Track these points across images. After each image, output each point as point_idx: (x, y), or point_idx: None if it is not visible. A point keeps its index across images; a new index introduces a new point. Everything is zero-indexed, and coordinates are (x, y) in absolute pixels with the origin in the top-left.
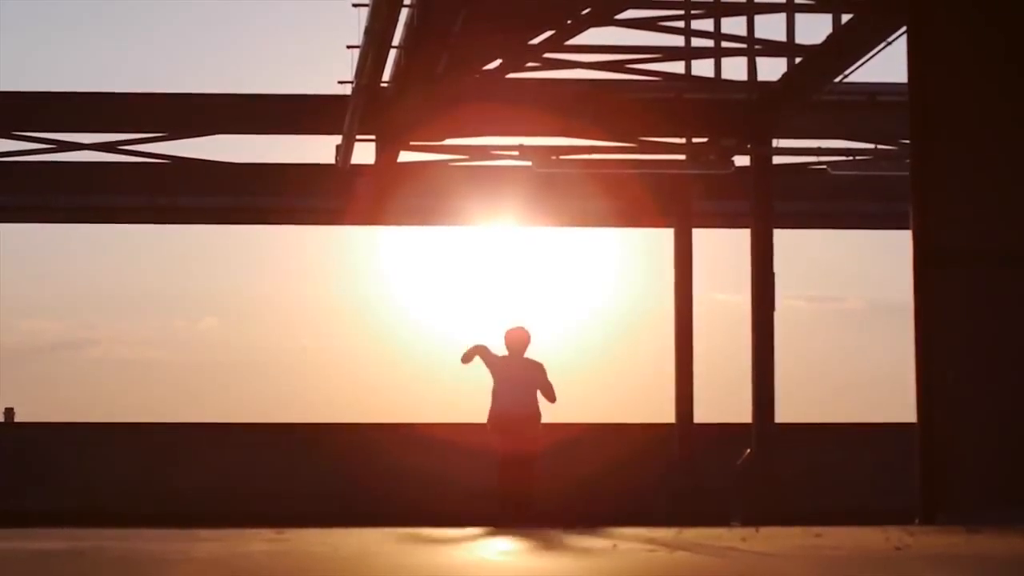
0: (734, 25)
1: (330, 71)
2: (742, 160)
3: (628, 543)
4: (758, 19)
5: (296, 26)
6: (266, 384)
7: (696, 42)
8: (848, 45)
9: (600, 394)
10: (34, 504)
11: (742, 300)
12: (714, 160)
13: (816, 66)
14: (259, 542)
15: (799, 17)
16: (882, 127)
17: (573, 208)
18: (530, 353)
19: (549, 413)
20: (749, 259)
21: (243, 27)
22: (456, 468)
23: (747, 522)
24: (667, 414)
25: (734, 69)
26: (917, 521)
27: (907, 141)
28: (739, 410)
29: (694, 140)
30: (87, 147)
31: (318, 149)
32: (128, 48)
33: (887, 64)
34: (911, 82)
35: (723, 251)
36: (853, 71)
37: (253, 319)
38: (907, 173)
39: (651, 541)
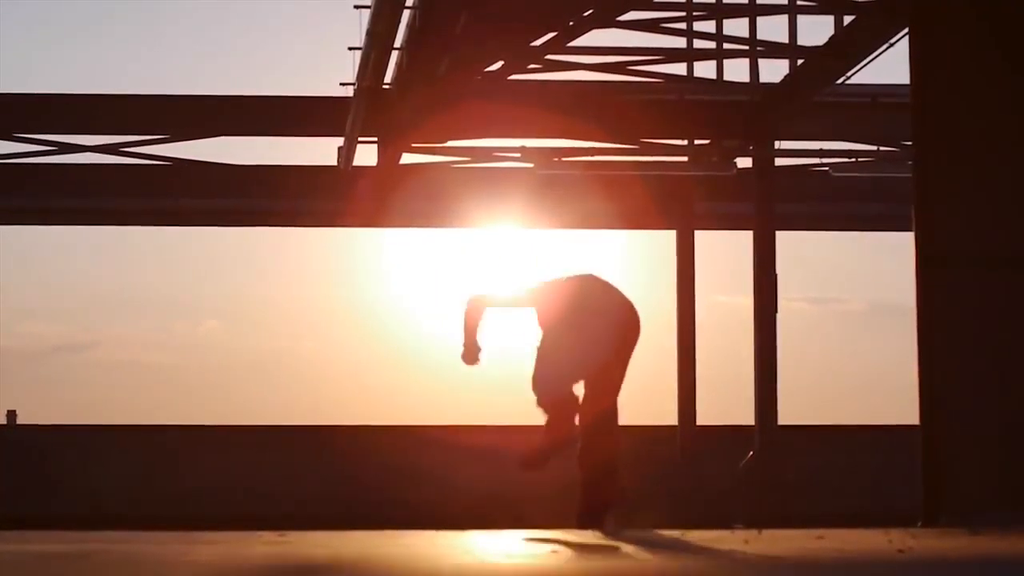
0: (736, 27)
1: (331, 73)
2: (744, 162)
3: (631, 546)
4: (760, 20)
5: (297, 28)
6: (268, 386)
7: (698, 44)
8: (850, 46)
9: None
10: (36, 506)
11: (744, 302)
12: (716, 162)
13: (818, 67)
14: (261, 544)
15: (801, 18)
16: (884, 129)
17: (575, 210)
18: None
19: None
20: (751, 261)
21: (244, 29)
22: (459, 471)
23: (750, 524)
24: (669, 416)
25: (736, 71)
26: (919, 523)
27: (909, 143)
28: (742, 412)
29: (696, 142)
30: (88, 149)
31: (320, 151)
32: (129, 50)
33: (889, 66)
34: (913, 83)
35: (725, 253)
36: (855, 72)
37: (254, 321)
38: (909, 175)
39: (655, 544)
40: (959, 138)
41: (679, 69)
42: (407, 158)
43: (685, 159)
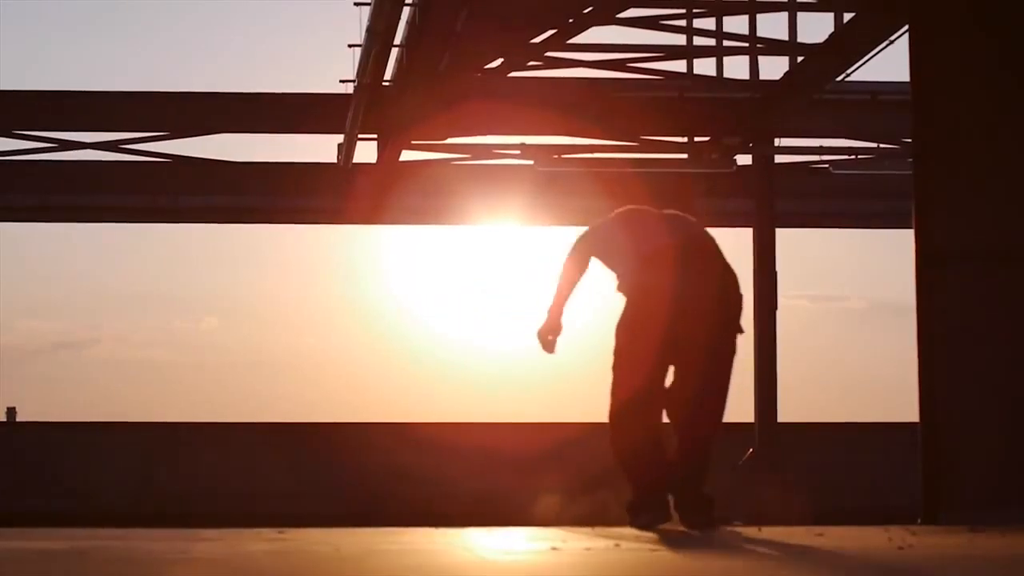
0: (736, 24)
1: (332, 70)
2: (744, 159)
3: (630, 542)
4: (760, 18)
5: (297, 25)
6: (268, 383)
7: (698, 41)
8: (850, 44)
9: (603, 394)
10: (35, 504)
11: (744, 299)
12: (716, 159)
13: (818, 65)
14: (260, 542)
15: (801, 16)
16: (884, 126)
17: (575, 207)
18: None
19: None
20: (751, 258)
21: (244, 26)
22: (458, 469)
23: (750, 522)
24: None
25: (736, 68)
26: (919, 521)
27: (909, 140)
28: (741, 409)
29: (696, 139)
30: (88, 146)
31: (320, 148)
32: (129, 47)
33: (889, 63)
34: (913, 81)
35: (725, 250)
36: (855, 70)
37: (255, 319)
38: (909, 172)
39: (654, 540)
40: (959, 135)
41: (679, 66)
42: (407, 155)
43: (685, 156)
